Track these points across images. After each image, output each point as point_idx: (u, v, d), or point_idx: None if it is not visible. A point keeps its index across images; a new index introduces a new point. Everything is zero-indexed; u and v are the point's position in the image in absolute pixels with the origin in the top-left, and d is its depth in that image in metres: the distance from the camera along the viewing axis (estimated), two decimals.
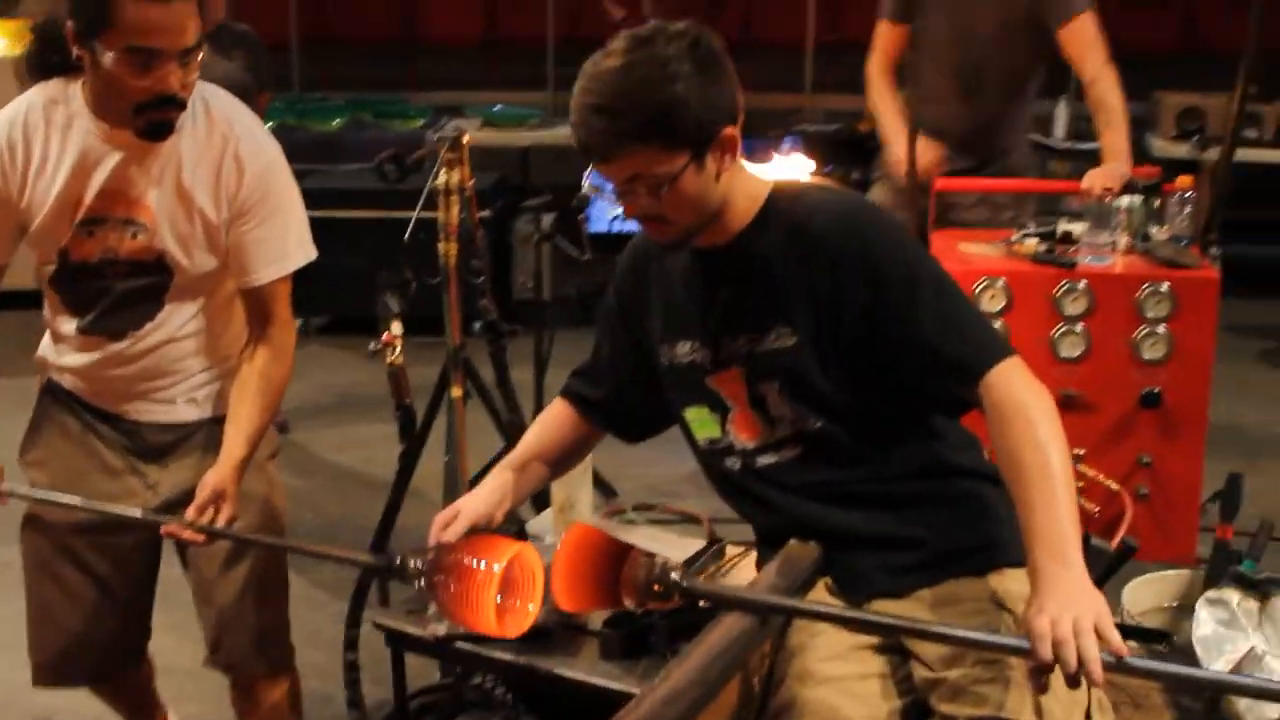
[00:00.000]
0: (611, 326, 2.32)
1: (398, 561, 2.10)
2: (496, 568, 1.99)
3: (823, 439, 2.05)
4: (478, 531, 2.15)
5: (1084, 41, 3.93)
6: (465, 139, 3.26)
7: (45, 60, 2.33)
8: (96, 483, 2.46)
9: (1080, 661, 1.62)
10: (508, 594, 2.04)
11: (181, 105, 2.24)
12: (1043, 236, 3.59)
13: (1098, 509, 3.09)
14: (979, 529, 2.04)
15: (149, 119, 2.23)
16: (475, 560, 2.01)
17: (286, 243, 2.41)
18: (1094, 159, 7.14)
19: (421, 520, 3.89)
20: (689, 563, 2.52)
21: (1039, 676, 1.67)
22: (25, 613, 2.54)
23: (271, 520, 2.53)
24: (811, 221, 2.02)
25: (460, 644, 2.34)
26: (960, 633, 1.79)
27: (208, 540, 2.32)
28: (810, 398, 2.04)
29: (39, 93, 2.34)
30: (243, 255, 2.38)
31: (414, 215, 3.06)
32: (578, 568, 2.03)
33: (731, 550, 2.65)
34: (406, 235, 3.09)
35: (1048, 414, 1.86)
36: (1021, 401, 1.87)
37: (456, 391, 3.24)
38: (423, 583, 2.08)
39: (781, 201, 2.07)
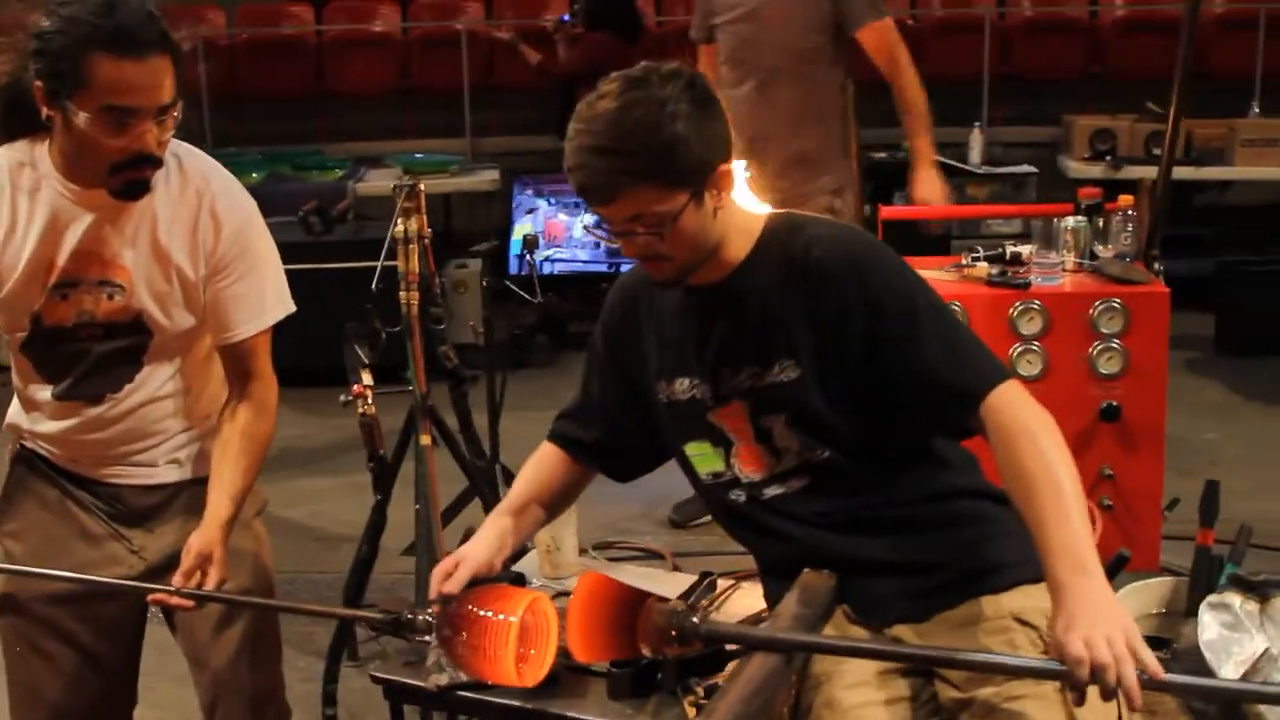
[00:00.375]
0: (600, 368, 2.31)
1: (406, 616, 2.06)
2: (513, 618, 1.96)
3: (830, 468, 2.06)
4: (479, 581, 2.12)
5: (889, 45, 4.23)
6: (421, 187, 3.23)
7: (9, 122, 2.27)
8: (78, 551, 2.39)
9: (1120, 685, 1.63)
10: (524, 643, 2.01)
11: (158, 163, 2.19)
12: (991, 259, 3.66)
13: None
14: (992, 549, 2.06)
15: (125, 178, 2.18)
16: (489, 611, 1.98)
17: (265, 297, 2.37)
18: (1009, 181, 7.33)
19: (386, 569, 3.88)
20: (683, 598, 2.52)
21: (1076, 691, 1.68)
22: (7, 691, 2.45)
23: (262, 579, 2.47)
24: (809, 254, 2.03)
25: (463, 693, 2.31)
26: (994, 659, 1.81)
27: (197, 606, 2.26)
28: (817, 429, 2.05)
29: (4, 156, 2.27)
30: (221, 311, 2.34)
31: (379, 264, 3.03)
32: (592, 618, 2.01)
33: (722, 583, 2.64)
34: (374, 285, 3.06)
35: (1051, 432, 1.89)
36: (1024, 421, 1.90)
37: (425, 439, 3.21)
38: (433, 637, 2.04)
39: (778, 234, 2.09)
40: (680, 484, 4.71)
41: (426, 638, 2.06)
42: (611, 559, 4.16)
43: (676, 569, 3.42)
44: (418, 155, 7.60)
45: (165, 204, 2.27)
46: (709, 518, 4.25)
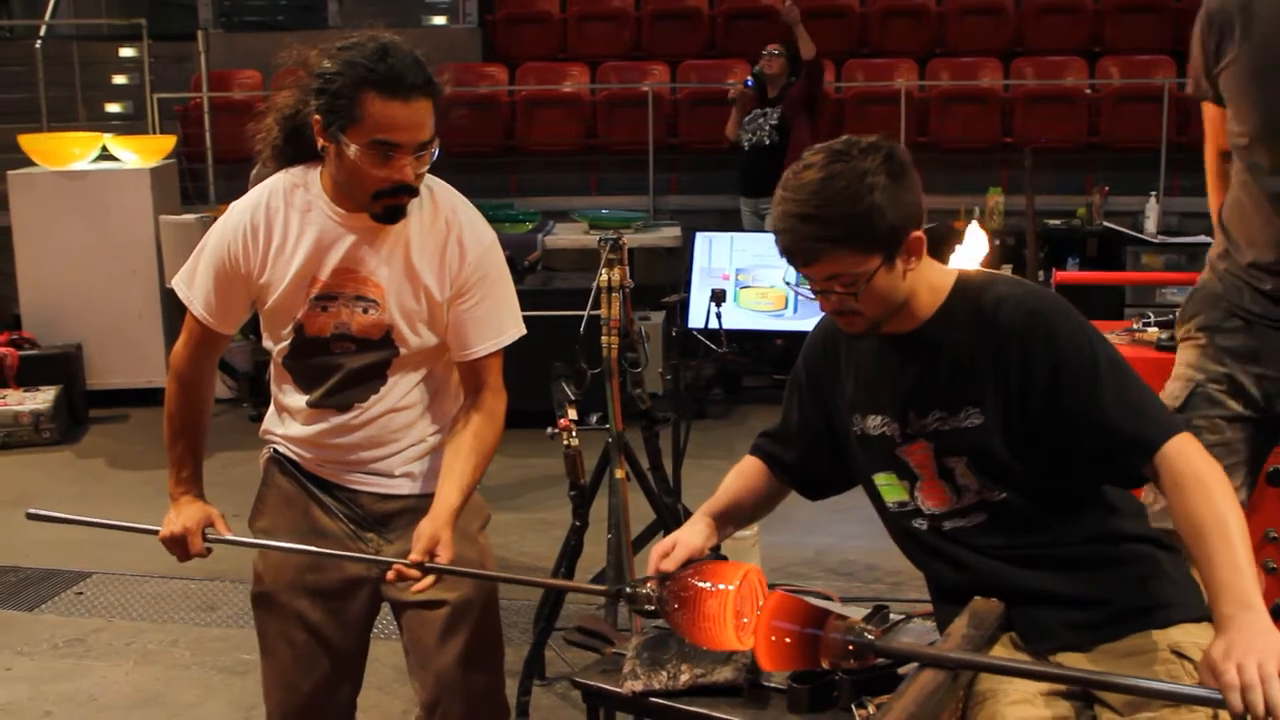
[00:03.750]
0: (801, 397, 2.51)
1: (628, 590, 2.27)
2: (730, 587, 2.15)
3: (1007, 508, 2.24)
4: (691, 561, 2.33)
5: None
6: (625, 241, 3.50)
7: (288, 149, 2.57)
8: (320, 548, 2.61)
9: (1269, 709, 1.77)
10: (740, 611, 2.18)
11: (414, 193, 2.46)
12: (1162, 325, 3.79)
13: None
14: (1155, 588, 2.21)
15: (385, 205, 2.44)
16: (708, 582, 2.18)
17: (502, 320, 2.60)
18: (1184, 251, 7.36)
19: (572, 599, 4.13)
20: None
21: (1235, 717, 1.82)
22: (261, 672, 2.74)
23: (485, 588, 2.67)
24: (999, 311, 2.21)
25: (654, 699, 2.51)
26: (1151, 684, 1.95)
27: (436, 580, 2.43)
28: (996, 472, 2.23)
29: (282, 179, 2.56)
30: (462, 331, 2.58)
31: (585, 313, 3.30)
32: (777, 630, 2.19)
33: (894, 615, 2.82)
34: (581, 328, 3.33)
35: (1221, 483, 2.04)
36: (1197, 471, 2.05)
37: (620, 473, 3.46)
38: (655, 606, 2.24)
39: (968, 291, 2.27)
40: (849, 535, 4.93)
41: (648, 607, 2.27)
42: None
43: None
44: (603, 211, 7.96)
45: (418, 230, 2.53)
46: None
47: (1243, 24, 2.76)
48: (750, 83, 7.73)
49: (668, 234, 7.80)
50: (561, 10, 10.30)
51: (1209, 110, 2.97)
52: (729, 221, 8.08)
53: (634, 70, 9.59)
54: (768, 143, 7.57)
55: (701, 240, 7.37)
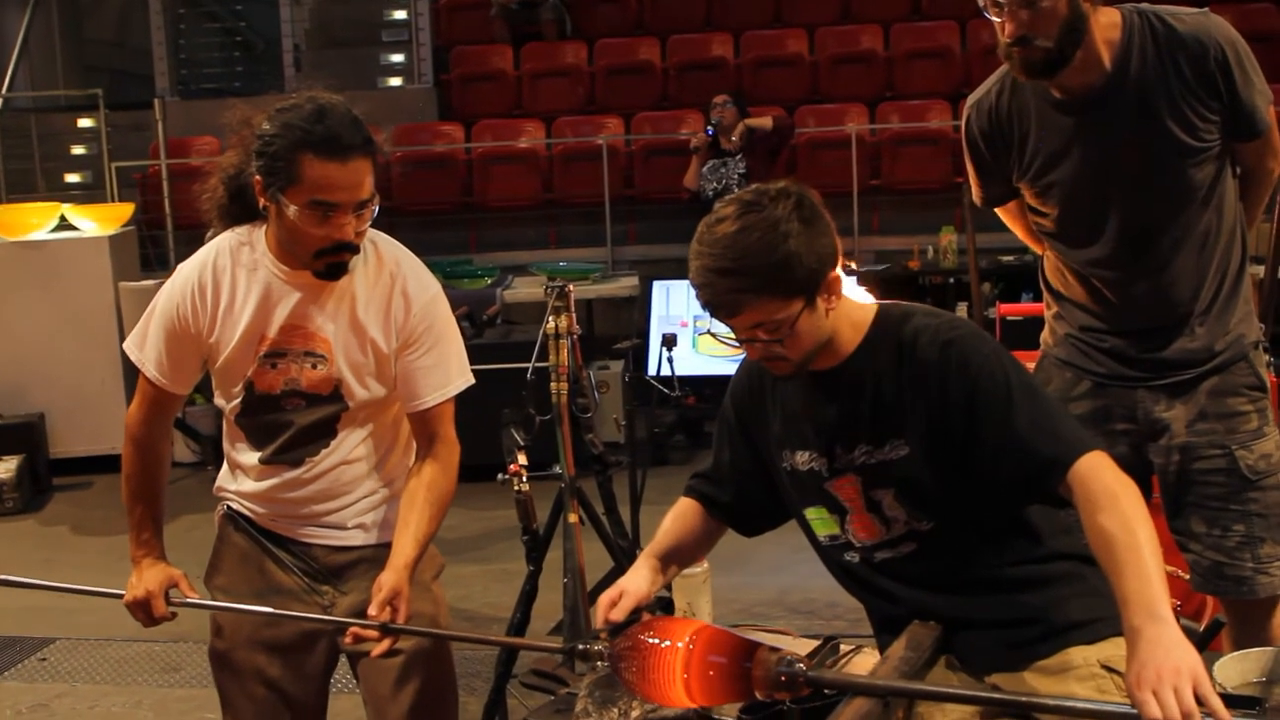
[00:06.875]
0: (730, 437, 2.56)
1: (580, 647, 2.29)
2: (680, 644, 2.14)
3: (935, 537, 2.29)
4: (640, 610, 2.36)
5: None
6: (570, 289, 3.56)
7: (233, 208, 2.60)
8: (275, 604, 2.65)
9: None
10: (689, 668, 2.16)
11: (355, 250, 2.49)
12: None
13: (1179, 603, 3.29)
14: (1083, 605, 2.26)
15: (327, 262, 2.48)
16: (656, 639, 2.17)
17: (449, 369, 2.64)
18: None
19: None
20: (809, 658, 2.72)
21: None
22: None
23: (440, 640, 2.70)
24: (916, 343, 2.26)
25: None
26: (1072, 703, 1.99)
27: (394, 641, 2.48)
28: (923, 502, 2.28)
29: (229, 237, 2.60)
30: (410, 382, 2.61)
31: (533, 357, 3.34)
32: (710, 666, 2.19)
33: (845, 646, 2.85)
34: (529, 375, 3.37)
35: (1131, 496, 2.09)
36: (1108, 485, 2.10)
37: (573, 517, 3.49)
38: (606, 662, 2.24)
39: (888, 325, 2.32)
40: (810, 574, 4.96)
41: (600, 663, 2.28)
42: None
43: None
44: (561, 263, 8.05)
45: (363, 284, 2.58)
46: None
47: (1020, 134, 2.87)
48: (711, 131, 7.82)
49: (625, 284, 7.87)
50: (515, 68, 10.41)
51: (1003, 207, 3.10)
52: (686, 269, 8.14)
53: (588, 124, 9.70)
54: (736, 190, 7.68)
55: (659, 288, 7.43)
